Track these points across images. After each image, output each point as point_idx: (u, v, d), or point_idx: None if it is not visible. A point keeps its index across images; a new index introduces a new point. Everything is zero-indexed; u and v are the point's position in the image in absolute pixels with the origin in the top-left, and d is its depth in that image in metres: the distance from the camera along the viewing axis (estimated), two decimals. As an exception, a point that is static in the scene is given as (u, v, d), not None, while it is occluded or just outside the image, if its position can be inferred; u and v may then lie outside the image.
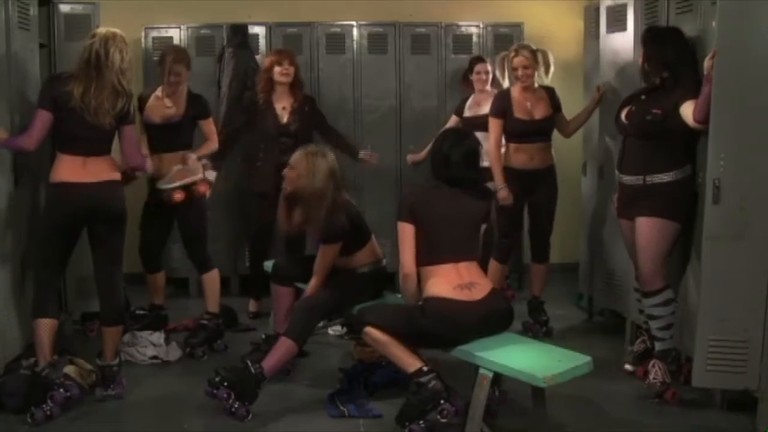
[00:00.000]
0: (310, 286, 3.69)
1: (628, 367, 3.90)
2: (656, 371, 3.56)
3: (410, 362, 3.15)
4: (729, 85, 3.17)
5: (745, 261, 3.18)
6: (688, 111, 3.38)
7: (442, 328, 3.10)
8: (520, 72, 4.41)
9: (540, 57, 4.44)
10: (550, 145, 4.53)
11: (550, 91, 4.52)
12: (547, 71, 4.48)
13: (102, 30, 3.49)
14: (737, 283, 3.21)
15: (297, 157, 3.69)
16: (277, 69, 4.64)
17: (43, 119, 3.36)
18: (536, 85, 4.47)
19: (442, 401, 3.06)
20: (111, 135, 3.48)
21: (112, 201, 3.47)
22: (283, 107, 4.70)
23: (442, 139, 3.42)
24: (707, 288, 3.27)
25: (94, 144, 3.43)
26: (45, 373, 3.36)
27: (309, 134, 4.72)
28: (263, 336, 4.11)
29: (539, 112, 4.47)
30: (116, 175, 3.51)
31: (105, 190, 3.44)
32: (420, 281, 3.24)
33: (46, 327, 3.42)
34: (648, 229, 3.57)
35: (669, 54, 3.54)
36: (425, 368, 3.12)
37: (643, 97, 3.67)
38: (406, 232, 3.23)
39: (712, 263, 3.25)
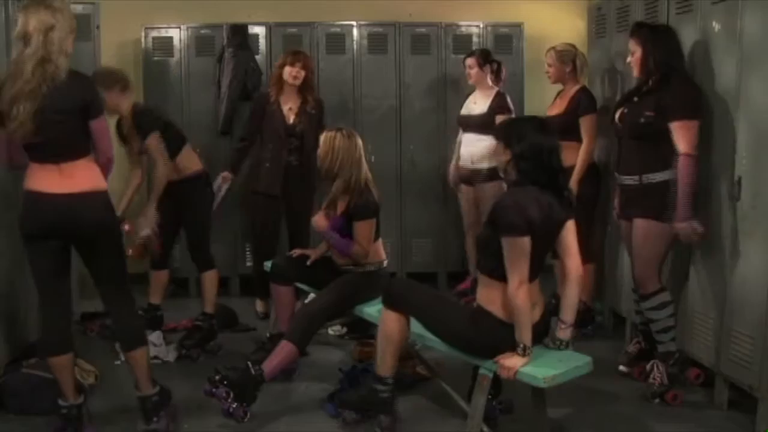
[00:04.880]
0: (354, 250, 3.68)
1: (622, 368, 3.89)
2: (656, 373, 3.56)
3: (389, 368, 3.16)
4: (752, 88, 3.19)
5: (757, 258, 3.18)
6: (678, 140, 3.40)
7: (489, 349, 2.89)
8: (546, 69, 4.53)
9: (566, 57, 4.43)
10: (571, 145, 4.25)
11: (579, 91, 4.42)
12: (579, 72, 4.45)
13: (21, 7, 2.87)
14: (748, 281, 3.22)
15: (323, 136, 3.79)
16: (287, 69, 4.60)
17: None
18: (580, 84, 4.47)
19: (385, 413, 3.20)
20: (69, 137, 2.88)
21: (84, 215, 2.91)
22: (289, 108, 4.68)
23: (530, 127, 2.95)
24: (729, 279, 3.35)
25: (54, 151, 2.86)
26: (64, 412, 3.09)
27: (316, 136, 4.71)
28: (267, 335, 4.11)
29: (554, 110, 4.46)
30: (93, 184, 2.94)
31: (76, 203, 2.89)
32: (486, 287, 2.94)
33: (57, 366, 3.04)
34: (642, 231, 3.56)
35: (666, 53, 3.51)
36: (391, 380, 3.17)
37: (635, 99, 3.65)
38: (524, 247, 2.77)
39: (732, 258, 3.33)
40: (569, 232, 2.96)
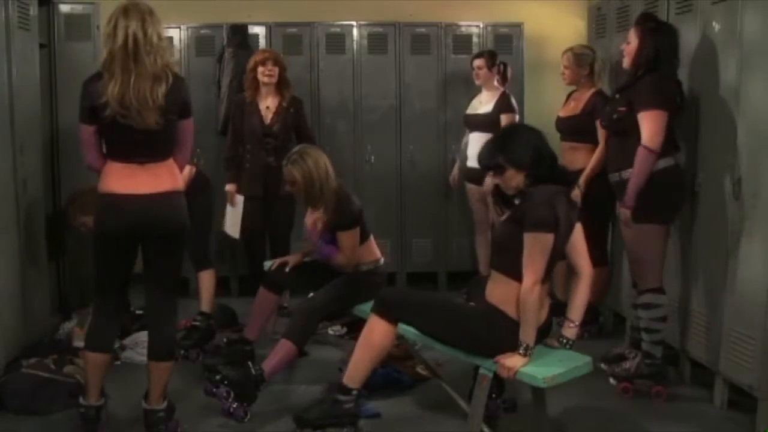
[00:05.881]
0: (338, 259, 3.70)
1: (602, 365, 3.84)
2: (631, 361, 3.61)
3: (361, 378, 3.08)
4: (752, 88, 3.19)
5: (757, 258, 3.18)
6: (641, 130, 3.37)
7: (497, 347, 2.86)
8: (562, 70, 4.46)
9: (583, 60, 4.36)
10: (584, 147, 4.25)
11: (596, 95, 4.32)
12: (596, 76, 4.37)
13: (126, 3, 2.89)
14: (748, 281, 3.22)
15: (287, 171, 3.67)
16: (260, 69, 4.58)
17: (86, 135, 2.92)
18: (596, 87, 4.37)
19: (348, 425, 3.12)
20: (167, 134, 2.93)
21: (168, 215, 2.95)
22: (267, 107, 4.65)
23: (519, 133, 3.00)
24: (729, 279, 3.34)
25: (147, 148, 2.90)
26: (82, 411, 3.07)
27: (290, 136, 4.69)
28: (224, 340, 4.11)
29: (567, 111, 4.42)
30: (175, 184, 2.98)
31: (161, 203, 2.93)
32: (501, 286, 2.91)
33: (93, 363, 3.05)
34: (631, 234, 3.55)
35: (659, 53, 3.47)
36: (356, 391, 3.10)
37: (617, 96, 3.65)
38: (548, 244, 2.77)
39: (732, 258, 3.32)
40: (579, 234, 2.96)
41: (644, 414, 3.44)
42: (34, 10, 4.03)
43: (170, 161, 2.98)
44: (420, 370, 3.80)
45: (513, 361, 2.79)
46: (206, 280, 4.29)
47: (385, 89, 5.58)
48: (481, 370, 2.95)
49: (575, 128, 4.27)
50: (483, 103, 4.99)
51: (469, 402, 3.09)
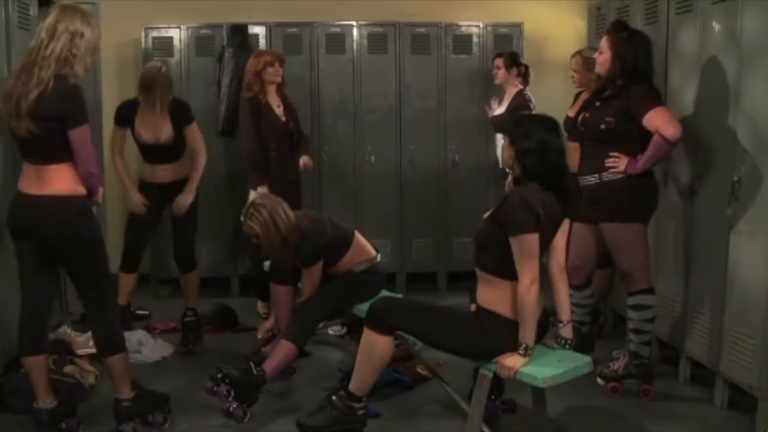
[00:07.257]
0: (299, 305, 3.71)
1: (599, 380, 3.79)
2: (620, 361, 3.60)
3: (368, 386, 3.10)
4: (752, 88, 3.18)
5: (757, 258, 3.18)
6: (660, 126, 3.33)
7: (496, 349, 2.85)
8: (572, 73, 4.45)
9: (592, 64, 4.32)
10: None
11: None
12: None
13: (58, 6, 2.90)
14: (748, 281, 3.23)
15: (247, 226, 3.58)
16: (270, 70, 4.56)
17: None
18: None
19: (360, 429, 3.15)
20: (48, 141, 2.83)
21: (47, 218, 2.86)
22: (278, 105, 4.67)
23: (539, 126, 2.88)
24: (729, 279, 3.34)
25: (30, 151, 2.86)
26: (37, 416, 3.07)
27: (300, 132, 4.73)
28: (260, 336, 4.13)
29: (576, 111, 4.39)
30: (66, 189, 2.87)
31: (41, 205, 2.86)
32: (488, 286, 2.91)
33: (28, 366, 3.04)
34: (613, 236, 3.54)
35: (633, 62, 3.45)
36: (365, 398, 3.12)
37: (597, 103, 3.62)
38: (534, 244, 2.75)
39: (732, 258, 3.33)
40: (562, 231, 2.96)
41: (644, 414, 3.44)
42: (34, 10, 4.03)
43: (64, 166, 2.87)
44: (420, 370, 3.80)
45: (513, 361, 2.79)
46: (194, 279, 4.40)
47: (385, 89, 5.58)
48: (481, 370, 2.95)
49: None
50: (501, 104, 5.00)
51: (469, 402, 3.09)
